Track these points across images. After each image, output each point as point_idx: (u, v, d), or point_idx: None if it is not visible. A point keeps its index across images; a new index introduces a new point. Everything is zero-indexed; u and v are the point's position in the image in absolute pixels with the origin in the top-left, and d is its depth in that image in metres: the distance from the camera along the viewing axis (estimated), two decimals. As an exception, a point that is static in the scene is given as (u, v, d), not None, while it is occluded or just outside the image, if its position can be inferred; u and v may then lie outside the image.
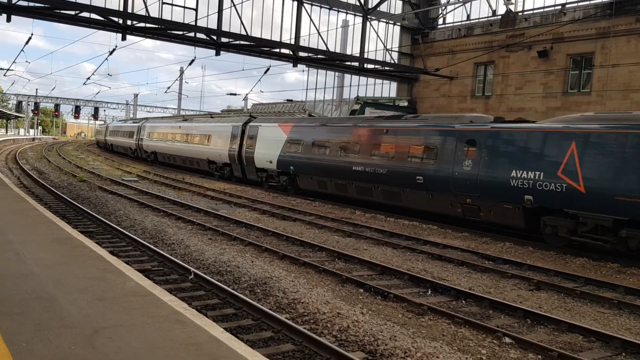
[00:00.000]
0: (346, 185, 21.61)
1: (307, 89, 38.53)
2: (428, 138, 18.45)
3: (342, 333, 7.38)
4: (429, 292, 10.13)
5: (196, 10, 26.17)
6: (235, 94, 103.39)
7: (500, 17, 29.20)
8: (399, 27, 34.68)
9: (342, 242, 14.50)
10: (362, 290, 9.89)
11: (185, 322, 5.53)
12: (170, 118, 61.80)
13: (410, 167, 18.67)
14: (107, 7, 23.87)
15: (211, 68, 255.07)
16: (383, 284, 10.28)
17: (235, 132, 29.54)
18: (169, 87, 54.98)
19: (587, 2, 26.31)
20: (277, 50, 28.94)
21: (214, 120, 37.57)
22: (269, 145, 26.11)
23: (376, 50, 33.07)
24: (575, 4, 26.76)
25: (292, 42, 29.02)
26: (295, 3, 29.79)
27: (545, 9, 28.14)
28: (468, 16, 32.21)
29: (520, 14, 28.77)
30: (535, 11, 28.61)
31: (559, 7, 27.18)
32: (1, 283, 6.37)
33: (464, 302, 9.60)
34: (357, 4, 31.71)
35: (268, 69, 32.19)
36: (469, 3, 31.55)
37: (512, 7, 28.22)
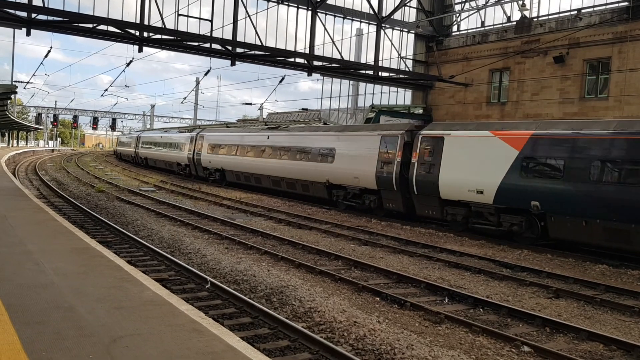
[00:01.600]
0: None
1: (322, 98, 38.66)
2: None
3: (359, 342, 7.35)
4: (446, 300, 10.05)
5: (211, 21, 26.45)
6: (250, 104, 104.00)
7: (515, 23, 29.12)
8: (413, 35, 34.69)
9: (358, 250, 14.46)
10: (378, 298, 9.84)
11: (201, 331, 5.55)
12: (243, 126, 49.25)
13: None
14: (124, 19, 24.23)
15: (226, 78, 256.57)
16: (399, 293, 10.23)
17: (392, 144, 20.62)
18: (185, 98, 55.34)
19: (603, 7, 26.10)
20: (292, 59, 29.12)
21: (337, 130, 25.32)
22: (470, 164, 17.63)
23: (390, 58, 33.11)
24: (591, 9, 26.56)
25: (307, 51, 29.16)
26: (310, 13, 29.97)
27: (561, 14, 27.96)
28: (482, 23, 32.10)
29: (535, 19, 28.62)
30: (550, 17, 28.44)
31: (575, 12, 26.99)
32: (22, 293, 6.46)
33: (481, 310, 9.51)
34: (371, 12, 31.80)
35: (283, 79, 32.39)
36: (484, 10, 31.47)
37: (527, 13, 28.11)
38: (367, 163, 21.35)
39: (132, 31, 24.70)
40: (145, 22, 24.48)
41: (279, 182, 27.43)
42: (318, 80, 37.58)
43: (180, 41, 25.99)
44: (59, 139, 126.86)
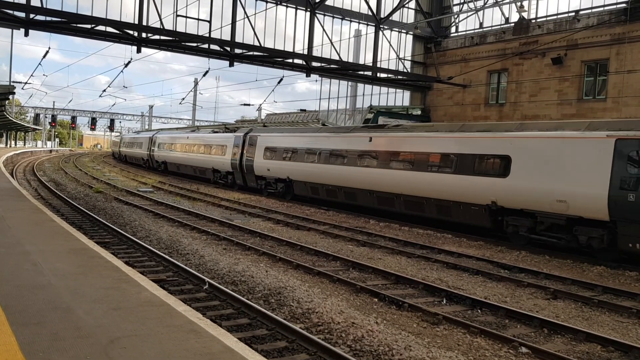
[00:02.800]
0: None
1: (320, 99, 38.64)
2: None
3: (357, 343, 7.35)
4: (444, 301, 10.06)
5: (210, 22, 26.45)
6: (249, 105, 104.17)
7: (513, 24, 29.15)
8: (411, 36, 34.72)
9: (356, 251, 14.46)
10: (376, 299, 9.84)
11: (199, 332, 5.55)
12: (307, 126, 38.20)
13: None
14: (122, 20, 24.22)
15: (223, 79, 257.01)
16: (397, 294, 10.23)
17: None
18: (183, 99, 55.29)
19: (601, 8, 26.14)
20: (290, 60, 29.11)
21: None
22: None
23: (389, 60, 33.14)
24: (589, 10, 26.60)
25: (305, 52, 29.18)
26: (308, 14, 29.98)
27: (559, 16, 27.99)
28: (481, 24, 32.15)
29: (533, 21, 28.67)
30: (548, 18, 28.47)
31: (573, 13, 27.03)
32: (19, 293, 6.45)
33: (479, 311, 9.52)
34: (370, 13, 31.83)
35: (281, 79, 32.38)
36: (482, 11, 31.52)
37: (525, 15, 28.16)
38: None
39: (131, 32, 24.68)
40: (144, 23, 24.46)
41: (393, 199, 20.40)
42: (317, 81, 37.67)
43: (178, 42, 25.99)
44: (57, 140, 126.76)
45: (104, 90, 49.63)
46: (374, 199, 21.28)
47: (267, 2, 29.14)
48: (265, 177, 28.33)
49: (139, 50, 25.44)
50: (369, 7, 31.59)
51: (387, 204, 20.77)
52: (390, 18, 32.77)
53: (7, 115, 55.72)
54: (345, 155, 22.87)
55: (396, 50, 33.32)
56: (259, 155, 28.80)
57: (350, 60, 32.07)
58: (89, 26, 23.89)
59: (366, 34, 32.96)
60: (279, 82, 32.68)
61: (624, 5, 24.72)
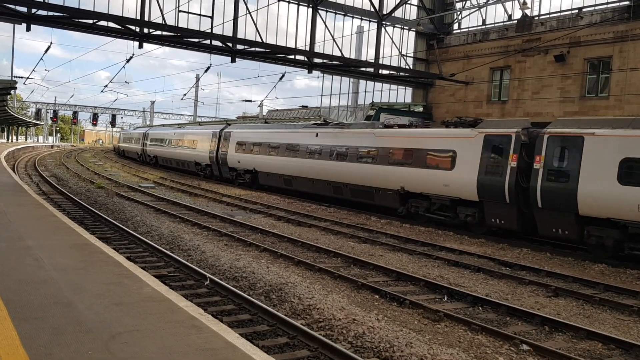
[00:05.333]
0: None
1: (322, 95, 38.60)
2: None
3: (358, 339, 7.35)
4: (445, 298, 10.06)
5: (212, 18, 26.40)
6: (250, 101, 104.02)
7: (516, 21, 29.08)
8: (414, 33, 34.65)
9: (358, 248, 14.46)
10: (377, 296, 9.84)
11: (201, 328, 5.55)
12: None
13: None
14: (124, 15, 24.18)
15: (224, 75, 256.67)
16: (399, 290, 10.23)
17: None
18: (185, 94, 55.27)
19: (604, 6, 26.07)
20: (292, 56, 29.06)
21: None
22: None
23: (391, 56, 33.08)
24: (592, 8, 26.52)
25: (307, 48, 29.13)
26: (310, 10, 29.92)
27: (562, 13, 27.92)
28: (483, 21, 32.07)
29: (536, 18, 28.59)
30: (551, 15, 28.40)
31: (576, 11, 26.96)
32: (21, 288, 6.45)
33: (480, 308, 9.52)
34: (372, 10, 31.75)
35: (283, 76, 32.37)
36: (485, 8, 31.43)
37: (528, 12, 28.07)
38: None
39: (133, 27, 24.65)
40: (146, 18, 24.42)
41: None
42: (318, 77, 37.36)
43: (180, 37, 25.94)
44: (58, 135, 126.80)
45: (106, 86, 49.48)
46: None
47: (269, -2, 29.09)
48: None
49: (140, 46, 25.41)
50: (371, 3, 31.49)
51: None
52: (393, 14, 32.69)
53: (9, 110, 55.77)
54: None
55: (398, 46, 33.25)
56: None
57: (352, 56, 32.01)
58: (90, 21, 23.84)
59: (368, 30, 32.91)
60: (280, 78, 32.69)
61: (627, 2, 24.65)
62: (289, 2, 29.88)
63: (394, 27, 33.46)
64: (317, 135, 25.14)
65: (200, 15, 26.52)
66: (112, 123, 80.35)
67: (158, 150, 46.63)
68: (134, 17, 24.19)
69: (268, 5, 28.64)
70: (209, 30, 25.93)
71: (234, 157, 31.72)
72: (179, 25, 25.33)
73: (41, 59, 37.29)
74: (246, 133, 31.79)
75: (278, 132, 29.02)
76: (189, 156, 38.58)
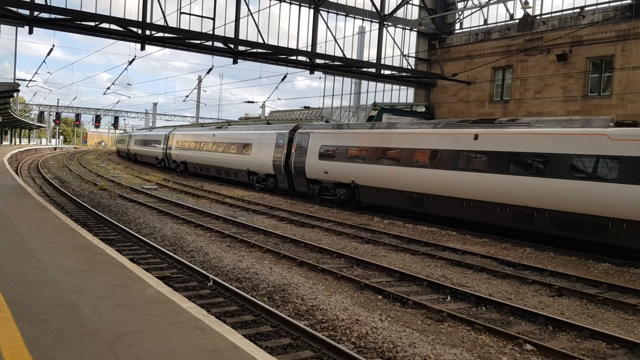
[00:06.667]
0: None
1: (324, 96, 38.60)
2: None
3: (361, 340, 7.35)
4: (449, 298, 10.04)
5: (213, 19, 26.44)
6: (252, 102, 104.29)
7: (518, 21, 29.03)
8: (415, 33, 34.64)
9: (361, 248, 14.45)
10: (380, 296, 9.84)
11: (204, 329, 5.55)
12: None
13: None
14: (126, 17, 24.23)
15: (226, 76, 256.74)
16: (402, 291, 10.22)
17: None
18: (187, 96, 55.50)
19: (607, 5, 26.03)
20: (294, 57, 29.08)
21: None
22: None
23: (393, 56, 33.08)
24: (594, 7, 26.49)
25: (309, 49, 29.14)
26: (312, 10, 29.94)
27: (564, 12, 27.90)
28: (485, 20, 32.05)
29: (538, 17, 28.56)
30: (553, 14, 28.38)
31: (578, 10, 26.93)
32: (24, 290, 6.47)
33: (484, 308, 9.50)
34: (374, 10, 31.76)
35: (285, 77, 32.42)
36: (486, 7, 31.41)
37: (530, 11, 28.04)
38: None
39: (135, 29, 24.70)
40: (148, 20, 24.47)
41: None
42: (320, 78, 37.42)
43: (182, 39, 25.99)
44: (61, 137, 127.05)
45: (108, 88, 49.44)
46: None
47: (270, -1, 29.13)
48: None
49: (142, 48, 25.47)
50: (373, 4, 31.52)
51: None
52: (394, 14, 32.69)
53: (12, 113, 55.89)
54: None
55: (400, 47, 33.25)
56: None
57: (354, 57, 32.03)
58: (93, 24, 23.91)
59: (370, 30, 32.91)
60: (282, 79, 32.72)
61: (629, 1, 24.60)
62: (291, 3, 29.91)
63: (395, 27, 33.46)
64: (476, 137, 17.98)
65: (202, 16, 26.58)
66: (115, 125, 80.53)
67: (189, 155, 39.92)
68: (136, 19, 24.24)
69: (270, 6, 28.69)
70: (211, 32, 25.97)
71: (317, 166, 24.59)
72: (181, 27, 25.39)
73: (44, 61, 37.74)
74: (335, 135, 24.60)
75: (399, 133, 21.36)
76: (239, 163, 31.38)
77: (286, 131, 27.39)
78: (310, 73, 29.80)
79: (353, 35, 32.98)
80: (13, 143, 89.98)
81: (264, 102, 64.54)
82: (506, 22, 30.63)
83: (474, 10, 32.49)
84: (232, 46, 27.10)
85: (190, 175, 39.40)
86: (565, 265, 13.41)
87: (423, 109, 35.03)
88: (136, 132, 66.82)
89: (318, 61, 29.63)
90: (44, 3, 22.37)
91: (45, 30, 26.57)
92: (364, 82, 35.78)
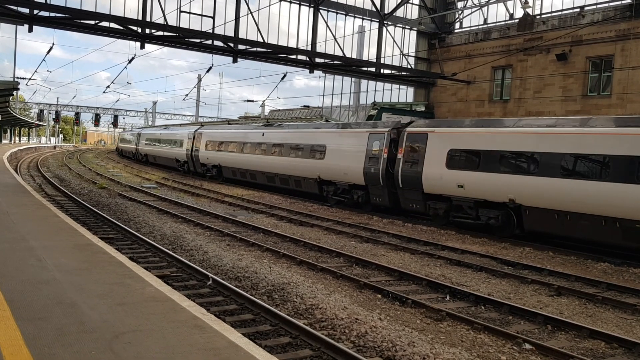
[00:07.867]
0: None
1: (323, 95, 38.61)
2: None
3: (360, 339, 7.35)
4: (448, 297, 10.05)
5: (213, 18, 26.44)
6: (252, 101, 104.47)
7: (517, 20, 29.06)
8: (415, 32, 34.65)
9: (360, 247, 14.46)
10: (380, 295, 9.84)
11: (203, 327, 5.56)
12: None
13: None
14: (126, 16, 24.22)
15: (225, 75, 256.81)
16: (401, 290, 10.23)
17: None
18: (187, 95, 55.43)
19: (606, 4, 26.04)
20: (294, 56, 29.08)
21: None
22: None
23: (393, 56, 33.09)
24: (594, 6, 26.50)
25: (309, 48, 29.14)
26: (312, 10, 29.94)
27: (564, 12, 27.90)
28: (485, 20, 32.06)
29: (538, 17, 28.57)
30: (553, 14, 28.39)
31: (578, 9, 26.94)
32: (24, 289, 6.47)
33: (483, 307, 9.51)
34: (373, 9, 31.76)
35: (285, 76, 32.40)
36: (486, 7, 31.41)
37: (529, 11, 28.05)
38: None
39: (135, 28, 24.69)
40: (147, 19, 24.46)
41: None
42: (319, 77, 37.42)
43: (182, 38, 25.98)
44: (61, 136, 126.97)
45: (108, 87, 49.61)
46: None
47: (270, -2, 29.13)
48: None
49: (142, 47, 25.46)
50: (373, 3, 31.52)
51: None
52: (394, 14, 32.70)
53: (11, 111, 55.82)
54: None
55: (400, 46, 33.25)
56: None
57: (354, 56, 32.03)
58: (92, 22, 23.90)
59: (370, 30, 32.92)
60: (282, 78, 32.69)
61: (629, 1, 24.61)
62: (290, 2, 29.91)
63: (395, 26, 33.47)
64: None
65: (201, 15, 26.57)
66: (115, 123, 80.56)
67: (225, 157, 33.06)
68: (136, 18, 24.23)
69: (270, 5, 28.69)
70: (211, 31, 25.97)
71: (443, 177, 18.15)
72: (181, 26, 25.38)
73: (43, 59, 37.43)
74: (476, 136, 17.49)
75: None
76: (305, 170, 24.97)
77: (385, 130, 21.01)
78: (310, 72, 29.81)
79: (353, 34, 33.00)
80: (13, 141, 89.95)
81: (264, 101, 64.56)
82: (506, 22, 30.65)
83: (473, 9, 32.50)
84: (231, 45, 27.10)
85: (224, 181, 32.46)
86: (565, 265, 13.42)
87: (423, 109, 35.05)
88: (147, 130, 59.07)
89: (318, 60, 29.63)
90: (43, 1, 22.35)
91: (45, 28, 26.53)
92: (364, 82, 35.81)
